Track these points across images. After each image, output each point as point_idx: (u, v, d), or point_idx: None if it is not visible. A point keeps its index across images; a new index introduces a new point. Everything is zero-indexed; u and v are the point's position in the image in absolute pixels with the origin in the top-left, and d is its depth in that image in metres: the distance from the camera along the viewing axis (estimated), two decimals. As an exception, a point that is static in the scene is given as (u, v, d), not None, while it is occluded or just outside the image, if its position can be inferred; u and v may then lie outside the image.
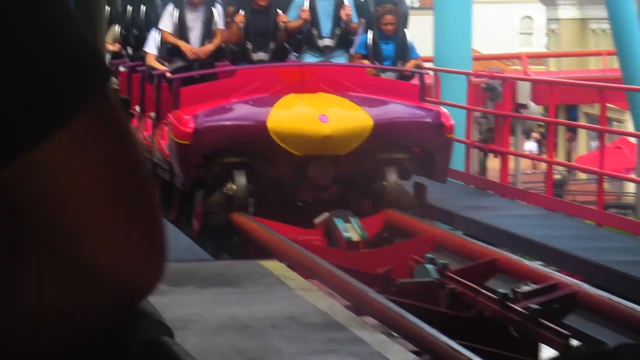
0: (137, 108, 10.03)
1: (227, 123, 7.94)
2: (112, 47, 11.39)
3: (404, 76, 8.93)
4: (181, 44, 8.62)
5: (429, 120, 8.20)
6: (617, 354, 5.22)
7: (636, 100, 10.72)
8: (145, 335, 1.52)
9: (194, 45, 8.63)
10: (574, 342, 5.36)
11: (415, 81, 8.91)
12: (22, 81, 0.50)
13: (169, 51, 8.80)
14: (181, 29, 8.65)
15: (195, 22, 8.69)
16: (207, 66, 8.69)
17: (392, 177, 7.88)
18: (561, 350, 5.33)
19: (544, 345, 5.70)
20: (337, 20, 8.69)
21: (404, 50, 8.79)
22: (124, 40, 11.21)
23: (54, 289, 0.52)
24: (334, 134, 7.51)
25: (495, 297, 5.81)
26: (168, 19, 8.70)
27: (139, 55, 10.09)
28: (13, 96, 0.50)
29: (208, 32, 8.69)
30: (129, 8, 10.94)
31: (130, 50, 10.98)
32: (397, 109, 8.19)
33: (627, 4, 10.94)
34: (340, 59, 8.79)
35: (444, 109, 8.70)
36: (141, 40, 9.87)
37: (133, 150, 0.56)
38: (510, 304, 5.65)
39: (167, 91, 8.60)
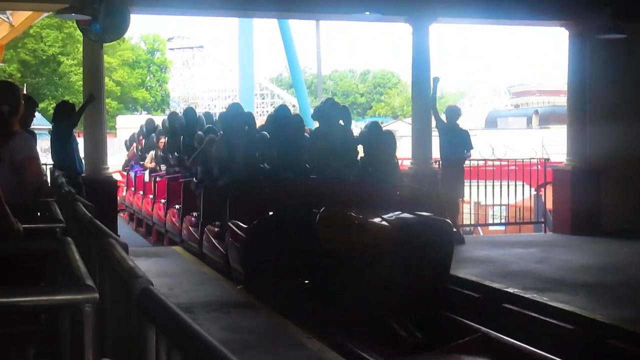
0: (177, 207, 12.25)
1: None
2: (150, 165, 15.62)
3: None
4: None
5: None
6: None
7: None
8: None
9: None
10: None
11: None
12: None
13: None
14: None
15: None
16: None
17: None
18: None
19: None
20: None
21: None
22: (163, 161, 14.65)
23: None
24: None
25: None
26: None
27: (173, 170, 13.52)
28: None
29: None
30: (165, 139, 14.41)
31: (163, 167, 14.57)
32: None
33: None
34: None
35: None
36: (180, 160, 12.88)
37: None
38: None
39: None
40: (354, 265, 7.49)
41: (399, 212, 8.13)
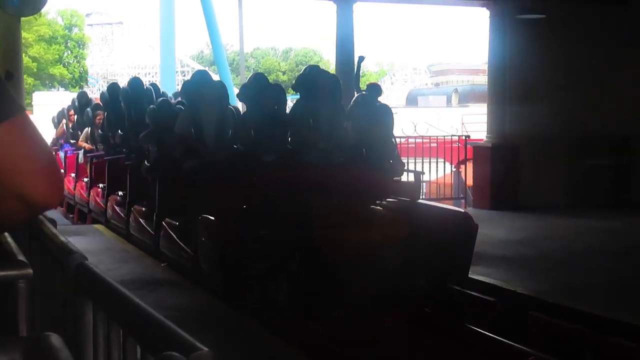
0: (120, 193, 10.75)
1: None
2: (86, 145, 13.46)
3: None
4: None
5: None
6: None
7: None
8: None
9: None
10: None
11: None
12: None
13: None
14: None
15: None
16: None
17: None
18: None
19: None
20: None
21: None
22: (101, 140, 12.46)
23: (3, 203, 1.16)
24: None
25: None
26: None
27: (114, 151, 11.61)
28: None
29: None
30: (104, 115, 12.40)
31: (101, 147, 12.49)
32: None
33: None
34: None
35: None
36: (126, 139, 11.11)
37: (39, 136, 1.19)
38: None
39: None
40: (358, 268, 6.22)
41: (407, 202, 6.96)
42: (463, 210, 7.06)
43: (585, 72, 12.61)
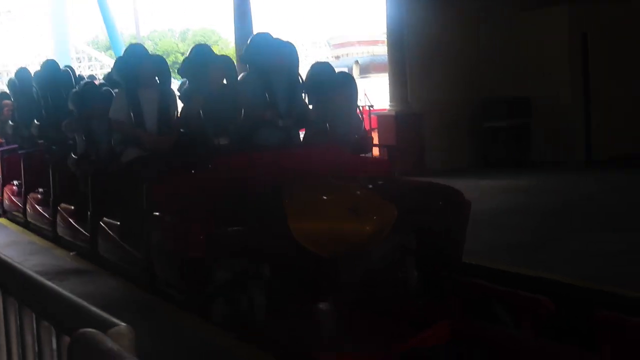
0: (41, 190, 9.74)
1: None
2: None
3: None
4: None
5: None
6: None
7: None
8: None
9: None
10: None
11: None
12: None
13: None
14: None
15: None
16: None
17: None
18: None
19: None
20: None
21: None
22: (13, 132, 11.43)
23: None
24: None
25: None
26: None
27: (30, 144, 10.57)
28: None
29: None
30: (12, 104, 11.45)
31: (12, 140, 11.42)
32: None
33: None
34: None
35: None
36: (43, 130, 9.96)
37: None
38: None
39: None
40: (344, 263, 5.10)
41: (387, 182, 6.14)
42: (452, 186, 6.13)
43: (484, 37, 12.84)
